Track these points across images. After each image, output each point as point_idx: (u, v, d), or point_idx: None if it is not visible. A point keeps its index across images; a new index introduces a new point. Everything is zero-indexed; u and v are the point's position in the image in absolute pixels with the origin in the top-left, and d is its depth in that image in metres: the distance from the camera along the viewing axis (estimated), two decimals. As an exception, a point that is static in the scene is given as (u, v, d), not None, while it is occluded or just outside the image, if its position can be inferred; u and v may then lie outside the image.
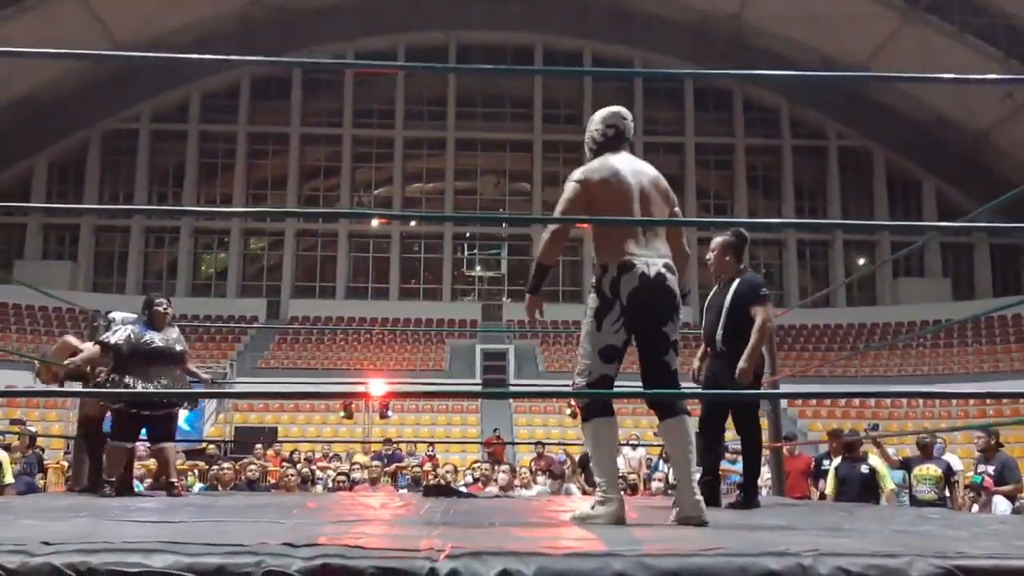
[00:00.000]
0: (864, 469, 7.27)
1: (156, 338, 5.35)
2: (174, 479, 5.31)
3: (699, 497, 3.12)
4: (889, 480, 7.37)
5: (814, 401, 21.78)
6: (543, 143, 31.17)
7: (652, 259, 3.29)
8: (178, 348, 5.45)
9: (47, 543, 1.83)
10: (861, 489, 7.06)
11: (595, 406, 3.30)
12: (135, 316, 5.60)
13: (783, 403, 6.85)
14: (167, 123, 30.61)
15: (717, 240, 4.70)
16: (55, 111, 27.68)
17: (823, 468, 8.35)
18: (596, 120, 3.61)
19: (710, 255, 4.73)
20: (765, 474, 7.65)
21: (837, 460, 7.56)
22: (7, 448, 7.81)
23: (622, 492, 3.41)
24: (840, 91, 28.65)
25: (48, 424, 17.91)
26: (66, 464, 9.67)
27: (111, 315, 5.70)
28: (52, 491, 8.25)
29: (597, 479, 3.20)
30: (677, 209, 3.56)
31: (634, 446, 12.13)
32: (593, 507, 3.15)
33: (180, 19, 25.59)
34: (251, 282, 30.79)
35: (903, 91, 27.66)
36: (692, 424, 3.29)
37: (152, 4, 24.79)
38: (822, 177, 31.43)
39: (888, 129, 29.61)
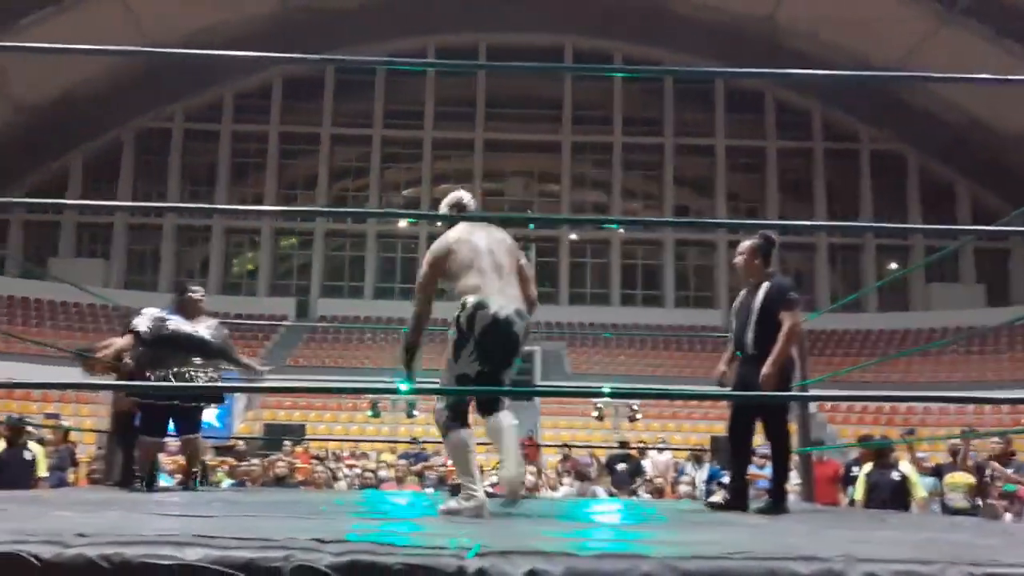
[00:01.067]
0: (895, 476, 7.18)
1: (183, 325, 5.19)
2: (195, 469, 5.35)
3: (522, 470, 3.85)
4: (921, 487, 7.27)
5: (844, 407, 21.56)
6: (572, 144, 31.13)
7: (504, 302, 3.74)
8: (208, 337, 5.24)
9: (82, 535, 1.85)
10: (892, 496, 6.97)
11: (454, 422, 3.78)
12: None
13: (813, 408, 6.80)
14: (200, 123, 30.95)
15: (745, 244, 4.66)
16: (90, 110, 28.07)
17: (852, 474, 8.25)
18: (444, 204, 4.24)
19: (738, 259, 4.69)
20: (794, 479, 7.58)
21: (868, 466, 7.47)
22: (41, 442, 7.93)
23: (653, 494, 3.65)
24: (873, 94, 28.32)
25: (81, 419, 18.15)
26: (95, 457, 9.81)
27: (145, 311, 5.73)
28: (81, 485, 8.37)
29: (462, 480, 3.66)
30: (524, 261, 4.14)
31: (660, 450, 12.08)
32: (459, 503, 3.58)
33: (214, 19, 25.83)
34: (281, 281, 31.04)
35: (937, 93, 27.28)
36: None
37: (187, 4, 25.06)
38: (854, 181, 31.11)
39: (922, 132, 29.24)
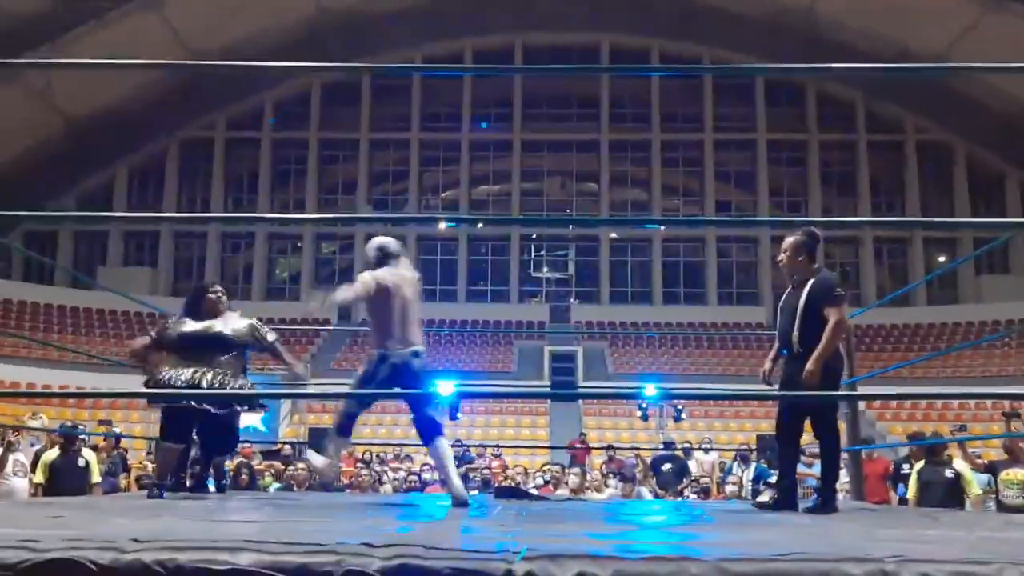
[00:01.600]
0: (948, 473, 7.04)
1: (187, 325, 5.01)
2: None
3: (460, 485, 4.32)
4: (975, 485, 7.11)
5: (894, 403, 21.20)
6: (610, 142, 31.01)
7: (408, 345, 4.49)
8: (227, 332, 4.99)
9: (137, 540, 1.89)
10: (945, 494, 6.84)
11: (344, 429, 4.62)
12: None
13: (861, 405, 6.69)
14: (241, 131, 31.40)
15: (789, 240, 4.60)
16: (134, 122, 28.63)
17: (903, 472, 8.12)
18: (371, 247, 4.82)
19: (782, 256, 4.63)
20: (843, 478, 7.47)
21: (919, 464, 7.34)
22: (94, 448, 8.10)
23: (699, 494, 3.75)
24: (918, 83, 27.76)
25: (131, 425, 18.51)
26: (149, 464, 9.99)
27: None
28: (132, 490, 8.52)
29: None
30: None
31: (706, 450, 11.98)
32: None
33: (251, 28, 26.18)
34: (323, 286, 31.34)
35: (984, 81, 26.70)
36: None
37: (225, 15, 25.43)
38: (900, 173, 30.58)
39: (969, 122, 28.62)
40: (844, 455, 6.33)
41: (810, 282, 4.43)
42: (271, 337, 5.20)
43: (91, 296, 27.18)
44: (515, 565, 1.75)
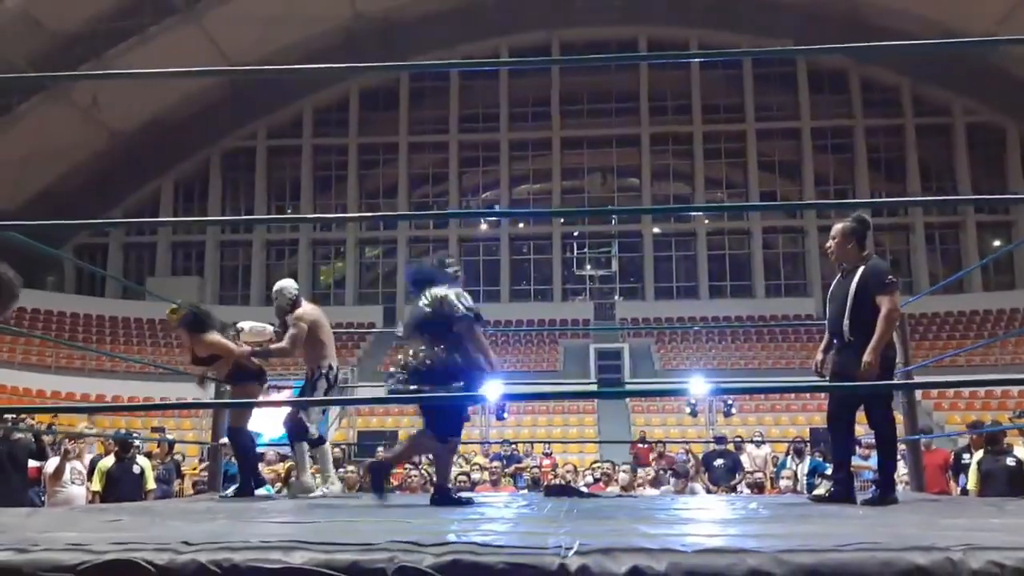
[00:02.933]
0: (1010, 462, 6.85)
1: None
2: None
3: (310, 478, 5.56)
4: None
5: (951, 393, 20.73)
6: (651, 136, 30.79)
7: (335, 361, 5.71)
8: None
9: (191, 542, 1.90)
10: (1007, 483, 6.65)
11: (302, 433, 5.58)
12: (263, 325, 5.82)
13: (917, 395, 6.55)
14: (282, 139, 31.79)
15: (837, 227, 4.49)
16: (178, 134, 29.17)
17: (963, 462, 7.93)
18: (288, 290, 5.61)
19: (830, 243, 4.53)
20: (901, 469, 7.32)
21: (979, 454, 7.16)
22: (148, 456, 8.24)
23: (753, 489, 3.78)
24: (967, 65, 27.12)
25: (183, 432, 18.84)
26: (203, 471, 10.14)
27: (239, 325, 5.92)
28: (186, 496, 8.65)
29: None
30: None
31: (758, 443, 11.81)
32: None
33: (290, 38, 26.48)
34: (367, 290, 31.62)
35: (1036, 60, 26.01)
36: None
37: (264, 26, 25.76)
38: (949, 156, 29.91)
39: (1021, 102, 27.88)
40: (901, 446, 6.19)
41: (860, 269, 4.33)
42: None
43: (141, 306, 27.72)
44: (568, 560, 1.72)
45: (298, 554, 1.80)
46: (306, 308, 5.61)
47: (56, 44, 23.77)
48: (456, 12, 28.32)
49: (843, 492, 4.28)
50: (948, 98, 29.75)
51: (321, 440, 5.75)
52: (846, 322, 4.29)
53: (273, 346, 5.61)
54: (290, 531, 2.34)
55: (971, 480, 7.10)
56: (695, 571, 1.70)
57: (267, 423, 9.47)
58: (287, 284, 5.69)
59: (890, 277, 4.30)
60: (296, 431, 5.54)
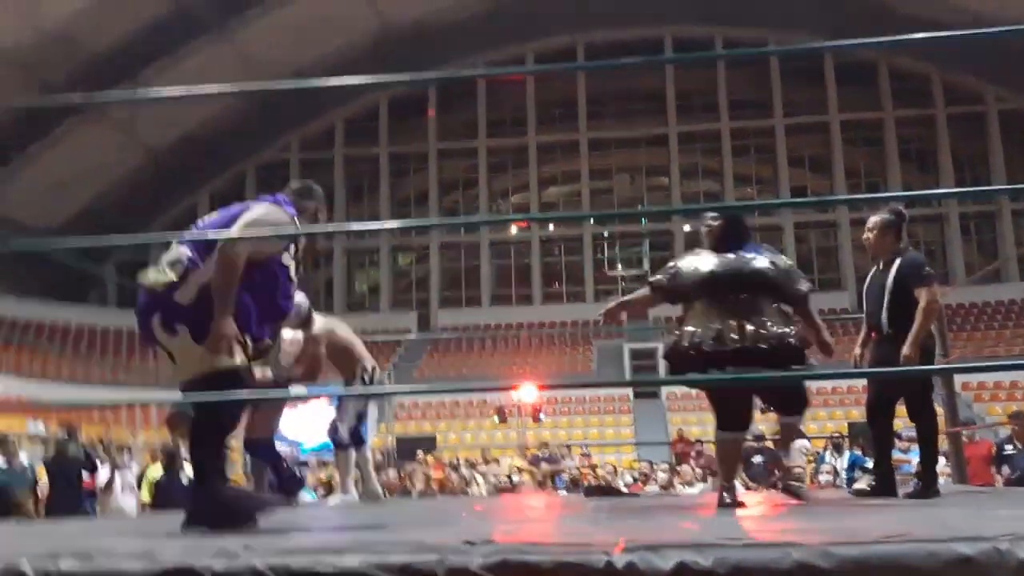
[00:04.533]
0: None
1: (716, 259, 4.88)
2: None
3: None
4: None
5: (991, 384, 20.42)
6: (679, 135, 30.68)
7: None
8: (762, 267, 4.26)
9: (248, 547, 1.96)
10: None
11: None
12: (299, 335, 5.85)
13: (957, 387, 6.48)
14: (314, 151, 32.10)
15: (875, 219, 4.47)
16: (212, 149, 29.56)
17: (1006, 453, 7.82)
18: (300, 305, 4.87)
19: (868, 235, 4.51)
20: (942, 462, 7.24)
21: (1025, 443, 7.03)
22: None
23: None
24: (998, 52, 26.67)
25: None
26: (245, 478, 10.27)
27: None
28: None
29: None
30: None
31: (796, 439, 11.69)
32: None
33: (320, 51, 26.73)
34: (402, 296, 31.82)
35: (1070, 44, 25.49)
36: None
37: (293, 40, 26.04)
38: (982, 145, 29.45)
39: (1055, 86, 27.41)
40: (942, 438, 6.13)
41: (897, 262, 4.31)
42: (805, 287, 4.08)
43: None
44: (615, 556, 1.75)
45: (351, 556, 1.85)
46: (318, 324, 5.39)
47: (93, 63, 24.20)
48: (481, 19, 28.43)
49: (884, 486, 4.26)
50: (980, 86, 29.30)
51: (351, 445, 5.65)
52: (884, 315, 4.28)
53: (300, 371, 5.41)
54: (340, 535, 2.39)
55: None
56: (741, 565, 1.72)
57: (307, 431, 9.58)
58: (298, 301, 5.58)
59: (927, 269, 4.28)
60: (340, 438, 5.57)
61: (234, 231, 3.20)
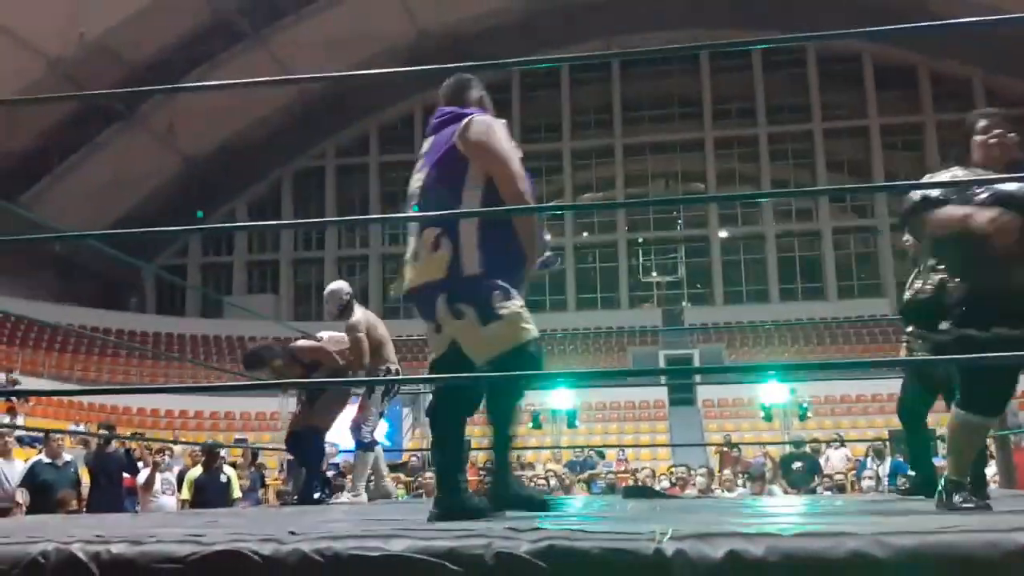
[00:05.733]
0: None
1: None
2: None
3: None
4: None
5: (1037, 391, 19.98)
6: (715, 140, 30.48)
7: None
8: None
9: (294, 532, 1.96)
10: None
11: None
12: (341, 334, 5.92)
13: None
14: (350, 157, 32.36)
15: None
16: (249, 156, 29.94)
17: (1056, 460, 7.62)
18: (341, 290, 5.85)
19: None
20: (992, 468, 7.08)
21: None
22: (233, 466, 8.45)
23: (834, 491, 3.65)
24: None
25: (262, 445, 19.24)
26: (281, 481, 10.36)
27: (319, 335, 6.07)
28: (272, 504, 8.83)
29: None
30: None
31: (840, 444, 11.55)
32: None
33: (356, 60, 26.82)
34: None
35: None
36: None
37: (330, 50, 26.20)
38: (1026, 148, 28.88)
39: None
40: (990, 441, 6.00)
41: None
42: None
43: (220, 324, 28.45)
44: (665, 544, 1.72)
45: (397, 541, 1.84)
46: (358, 314, 5.68)
47: (134, 73, 24.64)
48: (515, 26, 28.50)
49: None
50: (1023, 88, 28.76)
51: (371, 445, 5.70)
52: None
53: (350, 361, 5.61)
54: (384, 525, 2.39)
55: None
56: (793, 554, 1.68)
57: (342, 432, 9.59)
58: (340, 287, 5.82)
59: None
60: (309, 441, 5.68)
61: (514, 166, 2.75)
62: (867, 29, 2.87)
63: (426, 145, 2.94)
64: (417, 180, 2.89)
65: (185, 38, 25.99)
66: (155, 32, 24.84)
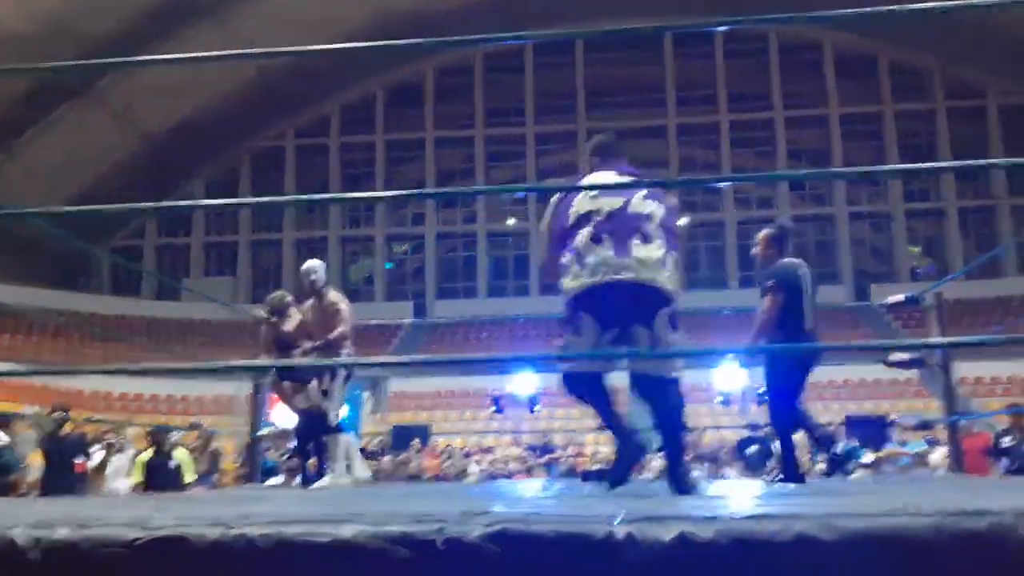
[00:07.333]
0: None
1: None
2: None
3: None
4: None
5: (988, 379, 20.47)
6: (677, 127, 30.64)
7: None
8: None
9: (244, 516, 1.93)
10: None
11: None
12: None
13: (955, 381, 6.44)
14: (310, 138, 32.00)
15: (761, 233, 5.05)
16: (208, 135, 29.47)
17: (1002, 446, 7.84)
18: (318, 268, 5.93)
19: (754, 249, 5.04)
20: (942, 451, 7.24)
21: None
22: (187, 450, 8.35)
23: None
24: (999, 44, 26.62)
25: (219, 430, 19.04)
26: (238, 465, 10.27)
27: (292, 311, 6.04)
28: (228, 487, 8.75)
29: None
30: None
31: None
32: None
33: (316, 39, 26.39)
34: (398, 286, 31.78)
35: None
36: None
37: (289, 28, 25.81)
38: (983, 140, 29.43)
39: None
40: (938, 427, 6.13)
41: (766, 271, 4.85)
42: None
43: (177, 307, 28.06)
44: (616, 527, 1.72)
45: (348, 527, 1.82)
46: (335, 292, 5.78)
47: (90, 48, 24.06)
48: (480, 9, 28.33)
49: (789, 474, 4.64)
50: (981, 80, 29.27)
51: (338, 429, 5.70)
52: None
53: (337, 334, 5.57)
54: (339, 509, 2.37)
55: None
56: (743, 537, 1.70)
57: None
58: (319, 264, 5.90)
59: (772, 281, 4.77)
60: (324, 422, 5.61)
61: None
62: (823, 13, 2.88)
63: (605, 176, 3.63)
64: (616, 202, 3.40)
65: (142, 13, 25.45)
66: (111, 6, 24.30)
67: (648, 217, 3.33)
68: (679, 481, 3.41)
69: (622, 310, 3.24)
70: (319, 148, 31.92)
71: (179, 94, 26.45)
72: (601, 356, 3.44)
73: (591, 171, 3.69)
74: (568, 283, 3.34)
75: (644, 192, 3.42)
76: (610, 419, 3.57)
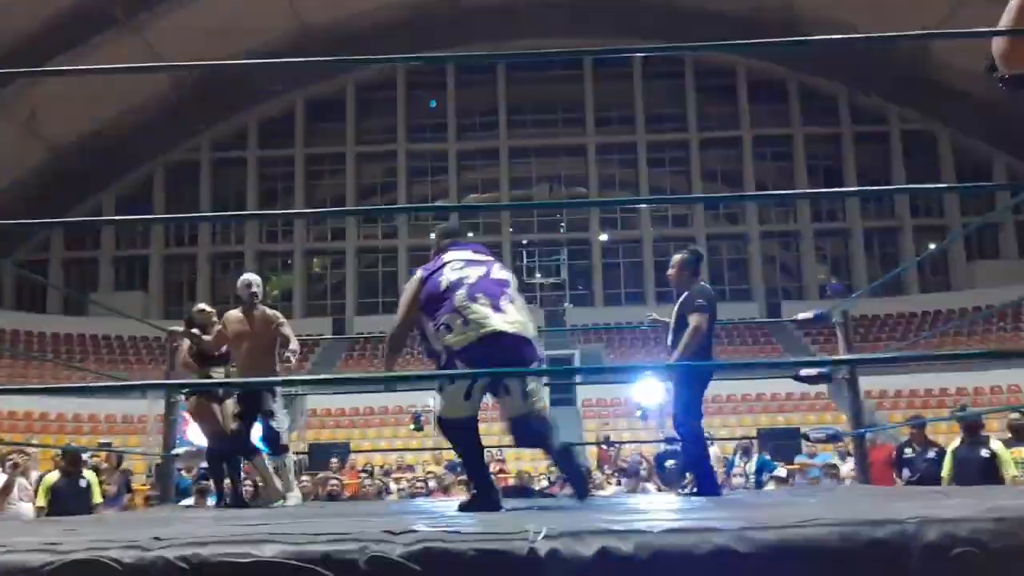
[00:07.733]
0: (984, 453, 6.81)
1: None
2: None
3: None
4: (1012, 465, 6.85)
5: (892, 392, 21.27)
6: (596, 146, 31.12)
7: None
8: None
9: (158, 539, 1.88)
10: (980, 474, 6.57)
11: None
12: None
13: (861, 394, 6.66)
14: (226, 151, 31.37)
15: (676, 257, 5.14)
16: (119, 147, 28.60)
17: (905, 456, 8.12)
18: (258, 281, 5.69)
19: (670, 271, 5.17)
20: (849, 464, 7.47)
21: (955, 443, 7.16)
22: (96, 470, 8.05)
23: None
24: (901, 73, 27.89)
25: (130, 449, 18.41)
26: (149, 486, 9.95)
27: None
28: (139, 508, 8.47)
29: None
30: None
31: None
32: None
33: (237, 50, 26.05)
34: (316, 302, 31.31)
35: (963, 68, 26.81)
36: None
37: (208, 39, 25.27)
38: (886, 164, 30.74)
39: (953, 109, 28.76)
40: (848, 440, 6.34)
41: (685, 294, 4.98)
42: None
43: (85, 322, 27.08)
44: (538, 543, 1.75)
45: (268, 547, 1.79)
46: (268, 311, 5.64)
47: (-3, 54, 23.18)
48: (403, 25, 28.29)
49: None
50: (884, 106, 30.60)
51: (284, 449, 5.60)
52: (670, 336, 5.08)
53: (292, 346, 5.48)
54: (260, 529, 2.33)
55: (945, 468, 7.04)
56: (662, 551, 1.74)
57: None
58: (257, 277, 5.73)
59: (701, 301, 4.89)
60: (274, 442, 5.51)
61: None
62: (741, 42, 2.98)
63: (476, 255, 4.02)
64: (480, 271, 3.83)
65: (53, 20, 24.61)
66: (20, 15, 23.44)
67: (507, 283, 3.77)
68: (580, 486, 3.80)
69: (505, 360, 3.51)
70: (236, 161, 31.32)
71: (89, 105, 25.62)
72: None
73: (441, 253, 4.08)
74: (451, 339, 3.53)
75: (499, 264, 3.96)
76: (478, 463, 3.90)
